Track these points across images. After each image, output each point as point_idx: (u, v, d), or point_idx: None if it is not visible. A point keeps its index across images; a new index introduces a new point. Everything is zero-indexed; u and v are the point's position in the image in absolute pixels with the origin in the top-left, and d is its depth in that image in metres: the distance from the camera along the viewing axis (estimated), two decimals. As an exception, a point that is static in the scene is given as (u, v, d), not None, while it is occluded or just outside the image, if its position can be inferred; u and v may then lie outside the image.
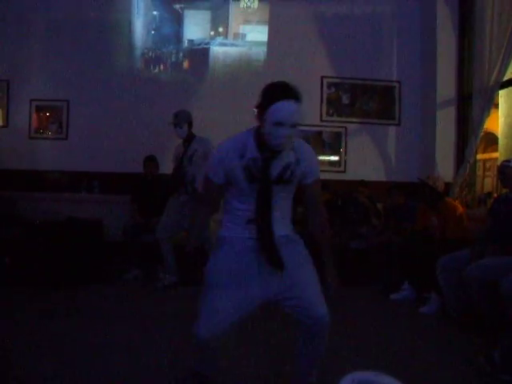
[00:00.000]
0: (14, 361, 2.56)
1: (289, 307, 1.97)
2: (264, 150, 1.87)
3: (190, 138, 4.42)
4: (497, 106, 5.15)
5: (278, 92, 1.78)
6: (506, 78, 4.72)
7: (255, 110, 1.87)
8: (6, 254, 4.43)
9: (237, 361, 2.60)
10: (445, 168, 5.37)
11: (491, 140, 5.95)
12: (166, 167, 4.96)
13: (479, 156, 5.43)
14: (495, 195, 4.85)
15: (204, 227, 2.30)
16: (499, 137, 5.25)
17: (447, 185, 4.90)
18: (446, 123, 5.49)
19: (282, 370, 2.49)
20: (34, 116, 5.71)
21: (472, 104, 5.02)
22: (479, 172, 6.19)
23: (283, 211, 1.99)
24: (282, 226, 1.98)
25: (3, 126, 5.67)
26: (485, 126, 4.99)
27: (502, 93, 4.97)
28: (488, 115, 4.84)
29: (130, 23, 5.83)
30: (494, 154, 5.57)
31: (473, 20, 5.18)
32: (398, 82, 5.92)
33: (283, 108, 1.76)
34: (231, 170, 1.89)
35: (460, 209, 4.09)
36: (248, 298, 1.90)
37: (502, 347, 2.52)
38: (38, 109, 5.72)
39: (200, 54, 5.92)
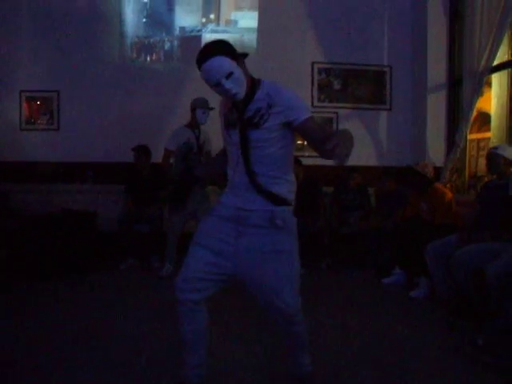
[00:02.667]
0: (14, 353, 2.61)
1: (255, 293, 1.99)
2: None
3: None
4: (490, 85, 5.17)
5: (197, 61, 1.84)
6: (496, 62, 4.74)
7: None
8: (2, 246, 4.47)
9: (231, 356, 2.67)
10: (435, 152, 5.41)
11: (485, 120, 5.96)
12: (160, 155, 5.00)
13: (473, 136, 5.45)
14: (486, 179, 4.90)
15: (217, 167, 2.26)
16: (492, 118, 5.28)
17: (438, 169, 4.95)
18: (436, 108, 5.51)
19: (277, 363, 2.55)
20: (25, 107, 5.69)
21: (462, 88, 5.04)
22: (473, 152, 6.23)
23: (266, 168, 1.90)
24: (264, 188, 1.91)
25: (-6, 118, 5.65)
26: (478, 106, 5.01)
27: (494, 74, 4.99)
28: (478, 99, 4.86)
29: (120, 11, 5.77)
30: (488, 134, 5.59)
31: (463, 4, 5.17)
32: (389, 66, 5.92)
33: (203, 72, 1.83)
34: (221, 121, 2.02)
35: (449, 194, 4.15)
36: (219, 264, 1.93)
37: (486, 331, 2.60)
38: (29, 100, 5.69)
39: (192, 41, 5.88)
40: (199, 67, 1.83)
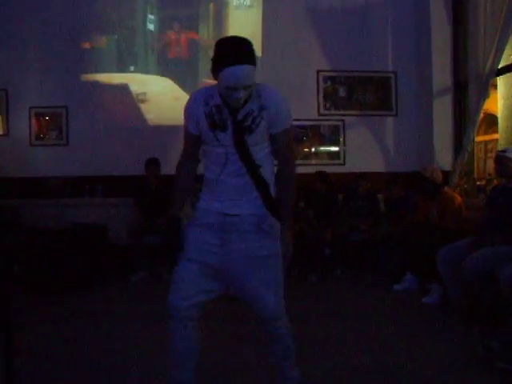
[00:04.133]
0: (24, 366, 2.62)
1: (243, 299, 1.98)
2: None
3: None
4: (496, 87, 5.17)
5: (225, 56, 1.72)
6: (502, 65, 4.74)
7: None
8: (14, 261, 4.51)
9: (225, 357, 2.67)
10: (443, 157, 5.40)
11: (492, 121, 5.96)
12: (169, 168, 5.03)
13: (480, 138, 5.45)
14: (495, 181, 4.88)
15: (188, 190, 2.08)
16: (499, 119, 5.27)
17: (446, 173, 4.93)
18: (442, 112, 5.50)
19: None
20: (34, 123, 5.75)
21: (468, 92, 5.04)
22: (481, 154, 6.21)
23: (237, 175, 1.87)
24: (249, 196, 1.88)
25: (4, 135, 5.72)
26: (485, 108, 5.00)
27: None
28: (484, 103, 4.85)
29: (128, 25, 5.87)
30: (495, 136, 5.59)
31: (466, 8, 5.19)
32: (394, 72, 5.93)
33: (234, 74, 1.71)
34: (198, 118, 1.87)
35: (458, 199, 4.13)
36: (210, 276, 1.90)
37: (501, 336, 2.57)
38: (38, 116, 5.76)
39: (201, 53, 5.93)
40: (232, 63, 1.70)
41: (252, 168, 1.85)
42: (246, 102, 1.82)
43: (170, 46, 5.93)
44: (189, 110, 1.91)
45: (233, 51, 1.72)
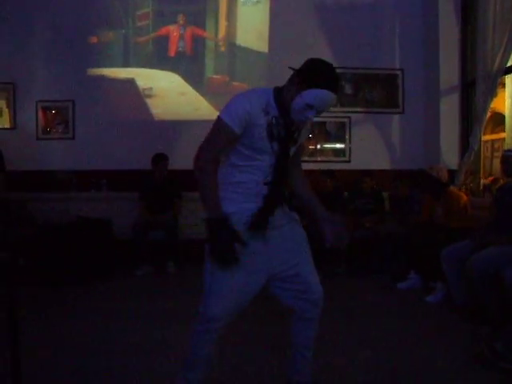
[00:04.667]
0: (29, 361, 2.64)
1: (285, 290, 1.99)
2: (282, 110, 1.86)
3: None
4: (504, 86, 5.13)
5: (326, 79, 1.79)
6: (510, 63, 4.69)
7: (294, 74, 1.86)
8: (20, 254, 4.53)
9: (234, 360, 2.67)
10: (449, 155, 5.37)
11: (499, 120, 5.90)
12: (174, 163, 5.13)
13: (487, 137, 5.39)
14: (502, 181, 4.85)
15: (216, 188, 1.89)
16: (506, 118, 5.22)
17: (452, 172, 4.91)
18: (449, 110, 5.47)
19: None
20: (41, 117, 5.78)
21: (476, 90, 5.00)
22: (487, 153, 6.16)
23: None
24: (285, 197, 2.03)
25: (11, 128, 5.76)
26: (492, 106, 4.96)
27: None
28: (492, 101, 4.82)
29: (135, 20, 5.85)
30: (503, 134, 5.53)
31: (475, 5, 5.13)
32: (401, 69, 5.90)
33: (325, 97, 1.78)
34: (253, 125, 1.82)
35: (464, 198, 4.12)
36: (254, 277, 1.90)
37: (505, 337, 2.56)
38: (44, 110, 5.79)
39: (212, 52, 5.79)
40: (327, 87, 1.78)
41: (285, 176, 1.97)
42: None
43: (172, 40, 5.90)
44: (241, 109, 1.81)
45: (335, 78, 1.83)
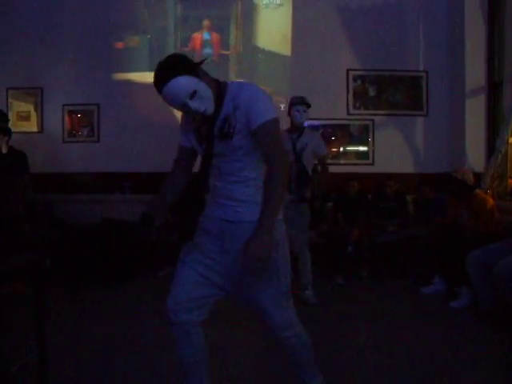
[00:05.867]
0: (52, 360, 2.69)
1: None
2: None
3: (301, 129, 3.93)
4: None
5: (155, 84, 1.75)
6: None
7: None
8: (47, 255, 4.62)
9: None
10: (475, 158, 5.26)
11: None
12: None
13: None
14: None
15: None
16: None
17: (478, 175, 4.82)
18: (475, 113, 5.36)
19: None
20: (67, 120, 5.90)
21: (503, 92, 4.90)
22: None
23: (233, 182, 1.80)
24: (227, 202, 1.82)
25: (39, 132, 5.89)
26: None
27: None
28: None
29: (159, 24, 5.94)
30: (530, 137, 5.41)
31: (503, 5, 5.04)
32: (425, 71, 5.82)
33: (165, 98, 1.73)
34: (190, 134, 1.88)
35: (491, 201, 4.03)
36: (207, 280, 1.85)
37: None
38: (70, 113, 5.90)
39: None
40: (159, 91, 1.70)
41: (236, 173, 1.79)
42: (219, 108, 1.75)
43: (196, 47, 5.94)
44: (181, 126, 1.97)
45: (154, 78, 1.73)
